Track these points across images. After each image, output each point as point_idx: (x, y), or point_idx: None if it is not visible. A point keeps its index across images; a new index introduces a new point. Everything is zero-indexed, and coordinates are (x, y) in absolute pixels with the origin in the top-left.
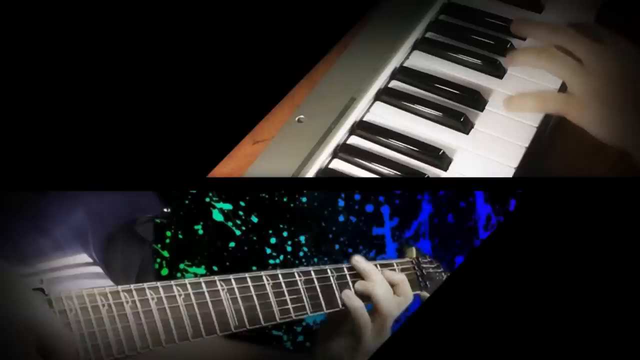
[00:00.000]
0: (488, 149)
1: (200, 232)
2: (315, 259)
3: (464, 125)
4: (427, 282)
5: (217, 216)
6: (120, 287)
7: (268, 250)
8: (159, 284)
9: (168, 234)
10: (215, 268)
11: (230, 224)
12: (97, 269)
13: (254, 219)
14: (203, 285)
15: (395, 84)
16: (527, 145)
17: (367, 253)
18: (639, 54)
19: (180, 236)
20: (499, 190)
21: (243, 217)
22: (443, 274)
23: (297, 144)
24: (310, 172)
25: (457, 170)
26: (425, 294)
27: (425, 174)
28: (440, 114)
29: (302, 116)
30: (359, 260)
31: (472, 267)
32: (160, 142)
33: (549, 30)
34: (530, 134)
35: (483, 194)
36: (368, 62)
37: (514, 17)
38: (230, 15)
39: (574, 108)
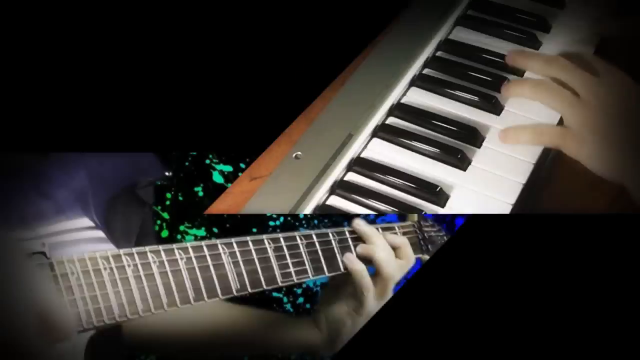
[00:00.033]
0: (485, 185)
1: (201, 194)
2: (315, 221)
3: (461, 162)
4: (429, 246)
5: (217, 178)
6: (122, 251)
7: (267, 213)
8: (160, 247)
9: (168, 195)
10: (215, 230)
11: (230, 185)
12: (99, 233)
13: None
14: (205, 248)
15: (392, 120)
16: (524, 181)
17: (367, 215)
18: (636, 88)
19: (181, 198)
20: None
21: None
22: (444, 237)
23: (295, 180)
24: (308, 209)
25: (454, 206)
26: (427, 258)
27: (422, 211)
28: (438, 150)
29: (299, 153)
30: (360, 224)
31: (472, 229)
32: (161, 103)
33: (545, 62)
34: (527, 171)
35: None
36: (365, 98)
37: (510, 50)
38: (232, 49)
39: (571, 141)
